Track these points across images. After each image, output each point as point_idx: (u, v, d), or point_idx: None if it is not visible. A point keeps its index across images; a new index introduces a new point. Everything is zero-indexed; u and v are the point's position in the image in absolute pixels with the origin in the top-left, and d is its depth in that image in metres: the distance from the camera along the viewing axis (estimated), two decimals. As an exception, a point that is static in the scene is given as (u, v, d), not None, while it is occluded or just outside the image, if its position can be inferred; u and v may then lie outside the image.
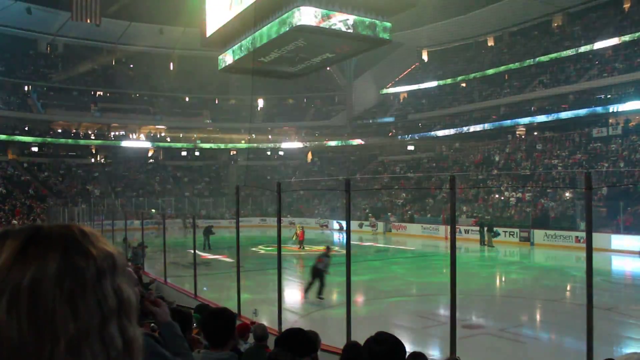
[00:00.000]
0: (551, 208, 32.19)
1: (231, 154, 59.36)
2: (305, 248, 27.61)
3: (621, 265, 22.90)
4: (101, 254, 0.65)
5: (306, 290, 14.56)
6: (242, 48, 33.70)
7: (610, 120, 37.49)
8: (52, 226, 0.66)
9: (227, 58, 36.54)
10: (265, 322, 8.25)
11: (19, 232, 0.64)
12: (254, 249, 27.41)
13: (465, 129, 46.33)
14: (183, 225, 37.27)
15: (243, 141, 58.04)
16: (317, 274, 14.36)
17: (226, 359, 2.81)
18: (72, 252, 0.63)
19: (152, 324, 5.91)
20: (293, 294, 16.12)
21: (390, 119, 54.85)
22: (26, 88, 53.27)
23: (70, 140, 52.06)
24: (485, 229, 29.00)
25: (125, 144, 54.80)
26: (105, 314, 0.63)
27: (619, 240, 25.25)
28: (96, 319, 0.62)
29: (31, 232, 0.64)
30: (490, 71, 48.77)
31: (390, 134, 53.83)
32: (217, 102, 61.67)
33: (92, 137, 54.08)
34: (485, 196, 37.55)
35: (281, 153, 59.32)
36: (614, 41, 39.91)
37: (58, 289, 0.60)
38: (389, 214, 40.18)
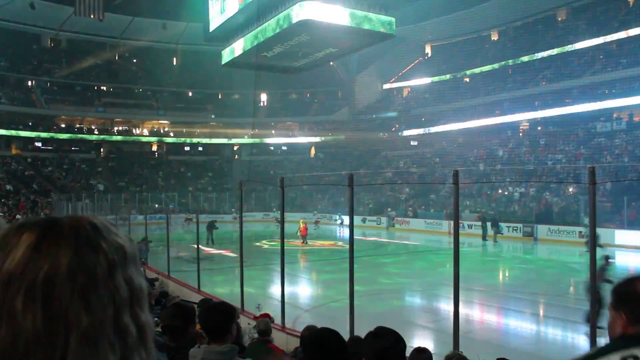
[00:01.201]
0: (555, 203, 32.14)
1: (234, 149, 59.41)
2: (308, 243, 27.66)
3: (625, 260, 22.86)
4: (112, 247, 0.67)
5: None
6: (246, 43, 33.69)
7: (614, 115, 37.35)
8: (64, 220, 0.68)
9: (231, 53, 36.56)
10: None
11: (34, 225, 0.67)
12: (257, 243, 27.46)
13: (469, 123, 46.25)
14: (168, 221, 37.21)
15: (246, 136, 58.03)
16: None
17: (227, 351, 2.81)
18: (83, 247, 0.65)
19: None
20: (296, 289, 16.13)
21: (394, 114, 54.77)
22: (30, 83, 53.31)
23: (73, 135, 52.14)
24: (490, 224, 28.97)
25: (128, 139, 54.86)
26: (118, 305, 0.65)
27: (623, 235, 25.21)
28: (109, 310, 0.64)
29: (45, 226, 0.66)
30: (494, 66, 48.61)
31: (393, 129, 53.77)
32: (220, 97, 61.68)
33: (96, 132, 54.17)
34: (489, 191, 37.51)
35: (284, 148, 59.33)
36: (618, 35, 39.72)
37: (71, 284, 0.62)
38: (389, 209, 40.22)
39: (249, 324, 7.95)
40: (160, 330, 4.16)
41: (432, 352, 3.90)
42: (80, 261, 0.64)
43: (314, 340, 2.79)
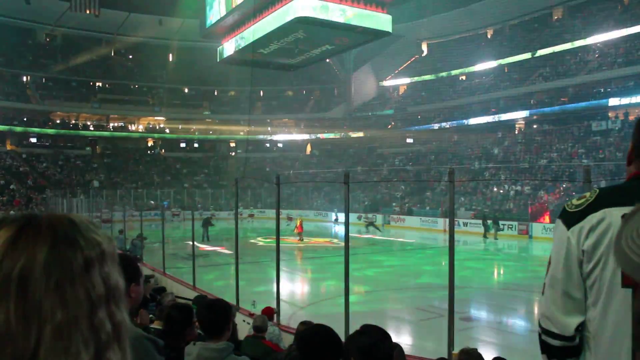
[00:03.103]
0: (550, 201, 32.24)
1: (230, 145, 59.35)
2: (304, 240, 27.66)
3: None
4: (89, 244, 0.68)
5: None
6: (242, 40, 33.64)
7: (609, 114, 37.47)
8: (43, 216, 0.68)
9: (227, 49, 36.49)
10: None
11: (13, 221, 0.67)
12: (252, 240, 27.44)
13: (464, 121, 46.32)
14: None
15: (242, 133, 57.97)
16: None
17: (223, 349, 2.82)
18: (59, 242, 0.65)
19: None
20: (291, 286, 16.14)
21: (390, 112, 54.81)
22: (25, 79, 53.11)
23: (69, 131, 51.98)
24: (491, 222, 29.07)
25: (124, 135, 54.73)
26: (94, 301, 0.66)
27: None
28: (85, 306, 0.65)
29: (23, 221, 0.67)
30: (490, 64, 48.68)
31: (389, 127, 53.80)
32: (216, 93, 61.57)
33: (91, 128, 54.02)
34: (484, 189, 37.59)
35: (280, 145, 59.32)
36: (613, 34, 39.84)
37: (46, 279, 0.63)
38: (394, 204, 40.42)
39: (244, 320, 7.96)
40: (157, 327, 4.15)
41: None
42: (56, 256, 0.64)
43: (308, 336, 2.78)
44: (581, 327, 1.48)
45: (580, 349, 1.49)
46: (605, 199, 1.46)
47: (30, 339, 0.61)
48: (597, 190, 1.50)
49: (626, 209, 1.37)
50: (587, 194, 1.50)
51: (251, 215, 40.28)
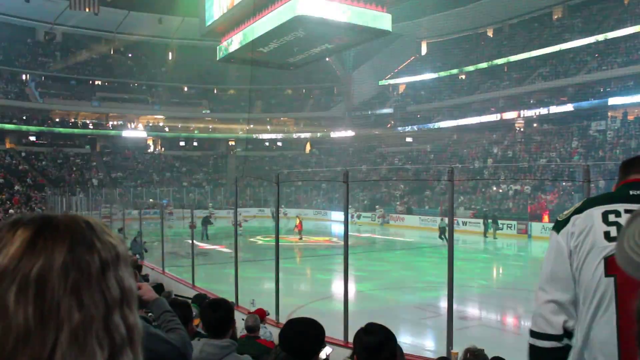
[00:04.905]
0: (549, 200, 32.26)
1: (229, 144, 59.33)
2: (304, 239, 27.67)
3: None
4: (105, 247, 0.68)
5: None
6: (241, 38, 33.59)
7: (609, 113, 37.48)
8: (60, 217, 0.69)
9: (226, 48, 36.44)
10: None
11: (30, 222, 0.67)
12: (252, 239, 27.45)
13: (464, 120, 46.30)
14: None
15: (241, 131, 57.96)
16: None
17: (226, 346, 2.83)
18: (78, 245, 0.66)
19: (150, 314, 5.92)
20: (291, 285, 16.14)
21: (389, 111, 54.81)
22: (24, 77, 53.06)
23: (68, 130, 51.94)
24: (490, 221, 29.10)
25: (123, 133, 54.70)
26: (109, 304, 0.66)
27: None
28: (100, 308, 0.65)
29: (41, 223, 0.67)
30: (490, 63, 48.65)
31: (389, 126, 53.79)
32: (215, 92, 61.52)
33: (91, 127, 53.97)
34: (484, 188, 37.61)
35: (279, 144, 59.29)
36: (613, 34, 39.82)
37: (64, 281, 0.63)
38: (377, 206, 40.29)
39: (242, 319, 7.96)
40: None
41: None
42: (75, 258, 0.65)
43: (284, 332, 2.70)
44: (568, 328, 1.61)
45: (567, 353, 1.62)
46: (590, 203, 1.61)
47: (47, 341, 0.61)
48: (585, 199, 1.67)
49: (608, 207, 1.53)
50: (577, 204, 1.66)
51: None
